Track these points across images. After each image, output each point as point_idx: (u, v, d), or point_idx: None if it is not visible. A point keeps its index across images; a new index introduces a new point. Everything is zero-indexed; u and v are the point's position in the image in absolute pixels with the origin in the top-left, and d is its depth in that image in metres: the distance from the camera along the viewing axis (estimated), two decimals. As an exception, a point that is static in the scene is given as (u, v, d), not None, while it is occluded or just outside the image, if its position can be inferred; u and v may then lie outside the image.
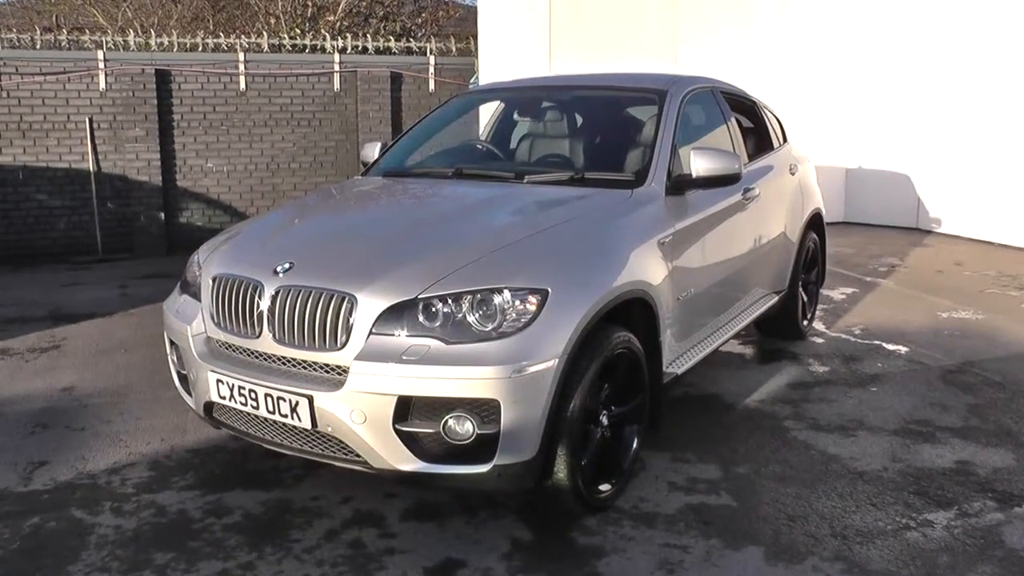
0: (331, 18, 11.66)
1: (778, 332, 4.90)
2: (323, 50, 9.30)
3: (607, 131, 3.92)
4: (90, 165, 7.94)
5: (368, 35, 10.30)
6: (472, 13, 10.60)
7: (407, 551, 2.67)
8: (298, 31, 11.05)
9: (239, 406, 2.74)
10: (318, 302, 2.61)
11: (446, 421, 2.47)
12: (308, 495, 3.06)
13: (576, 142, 3.91)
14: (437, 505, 2.96)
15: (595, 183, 3.41)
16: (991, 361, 4.54)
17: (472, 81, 9.39)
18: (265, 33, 10.11)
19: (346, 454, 2.60)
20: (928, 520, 2.85)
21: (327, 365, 2.60)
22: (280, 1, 11.95)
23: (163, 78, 8.13)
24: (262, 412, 2.68)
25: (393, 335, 2.52)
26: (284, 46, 9.64)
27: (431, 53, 9.45)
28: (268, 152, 8.65)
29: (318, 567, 2.59)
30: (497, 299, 2.53)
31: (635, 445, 3.03)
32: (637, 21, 8.65)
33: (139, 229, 8.12)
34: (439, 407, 2.46)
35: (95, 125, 7.94)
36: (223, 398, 2.78)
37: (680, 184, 3.41)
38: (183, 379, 3.15)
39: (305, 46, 9.63)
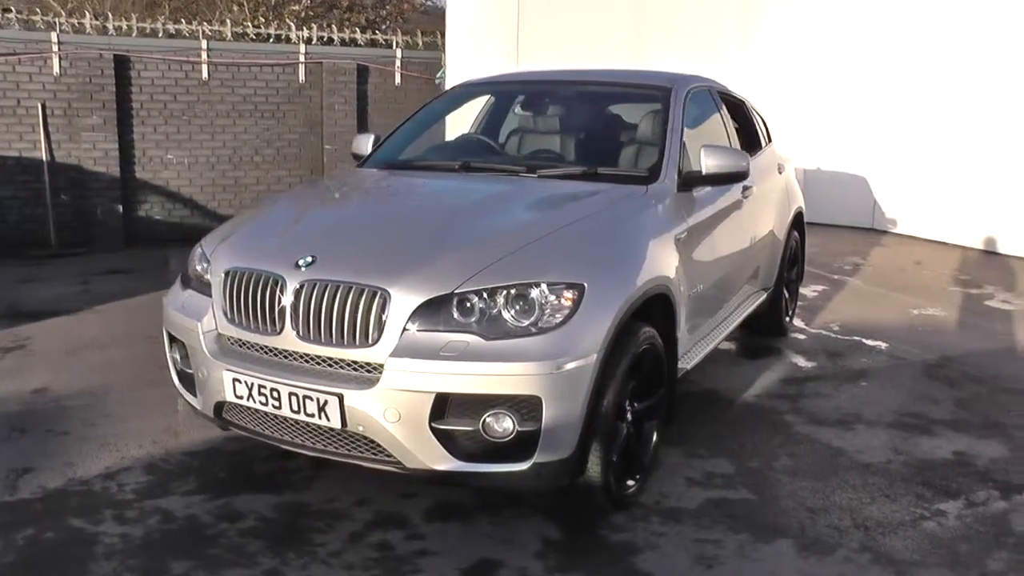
0: (295, 7, 11.37)
1: (762, 329, 4.98)
2: (288, 40, 9.07)
3: (615, 126, 3.90)
4: (43, 154, 7.54)
5: (333, 26, 10.08)
6: (436, 8, 10.51)
7: (439, 552, 2.61)
8: (262, 19, 10.74)
9: (258, 406, 2.63)
10: (347, 297, 2.52)
11: (484, 419, 2.42)
12: (322, 497, 2.96)
13: (583, 137, 3.88)
14: (459, 505, 2.90)
15: (607, 178, 3.40)
16: (967, 356, 4.71)
17: (439, 76, 9.28)
18: (228, 20, 9.79)
19: (376, 454, 2.52)
20: (941, 510, 2.94)
21: (357, 362, 2.51)
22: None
23: (122, 64, 7.78)
24: (284, 412, 2.58)
25: (429, 331, 2.46)
26: (248, 35, 9.35)
27: (397, 46, 9.31)
28: (231, 144, 8.38)
29: (348, 571, 2.51)
30: (534, 293, 2.49)
31: (654, 440, 3.03)
32: (605, 23, 8.69)
33: (96, 222, 7.75)
34: (478, 404, 2.41)
35: (48, 111, 7.55)
36: (240, 398, 2.66)
37: (690, 180, 3.42)
38: (185, 378, 3.01)
39: (270, 35, 9.37)
